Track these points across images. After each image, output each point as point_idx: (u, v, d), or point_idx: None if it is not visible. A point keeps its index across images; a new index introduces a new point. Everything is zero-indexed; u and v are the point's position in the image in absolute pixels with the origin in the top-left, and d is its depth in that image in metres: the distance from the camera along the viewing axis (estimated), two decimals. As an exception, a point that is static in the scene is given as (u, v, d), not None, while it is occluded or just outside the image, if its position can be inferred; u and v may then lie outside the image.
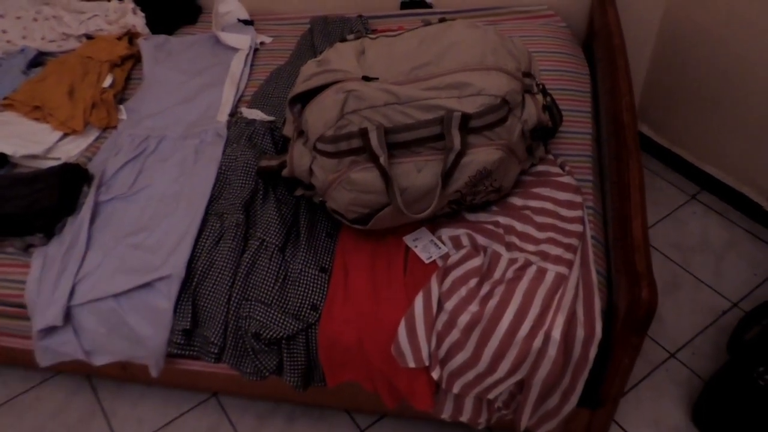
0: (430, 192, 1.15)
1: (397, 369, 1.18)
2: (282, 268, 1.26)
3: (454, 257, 1.20)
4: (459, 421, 1.27)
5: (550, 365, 1.10)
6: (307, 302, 1.21)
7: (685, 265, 1.78)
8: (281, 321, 1.19)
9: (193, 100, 1.70)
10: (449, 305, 1.14)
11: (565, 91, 1.57)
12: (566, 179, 1.33)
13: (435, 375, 1.16)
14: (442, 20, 1.29)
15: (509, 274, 1.17)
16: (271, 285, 1.23)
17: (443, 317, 1.14)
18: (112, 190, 1.45)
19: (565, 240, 1.22)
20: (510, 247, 1.23)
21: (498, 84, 1.13)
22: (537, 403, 1.17)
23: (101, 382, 1.65)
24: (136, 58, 1.88)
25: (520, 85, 1.19)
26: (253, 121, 1.54)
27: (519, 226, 1.26)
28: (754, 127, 1.73)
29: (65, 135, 1.63)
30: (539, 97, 1.27)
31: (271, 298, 1.22)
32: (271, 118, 1.57)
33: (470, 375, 1.15)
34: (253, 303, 1.21)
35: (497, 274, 1.18)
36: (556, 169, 1.36)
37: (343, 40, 1.30)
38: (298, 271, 1.25)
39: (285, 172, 1.29)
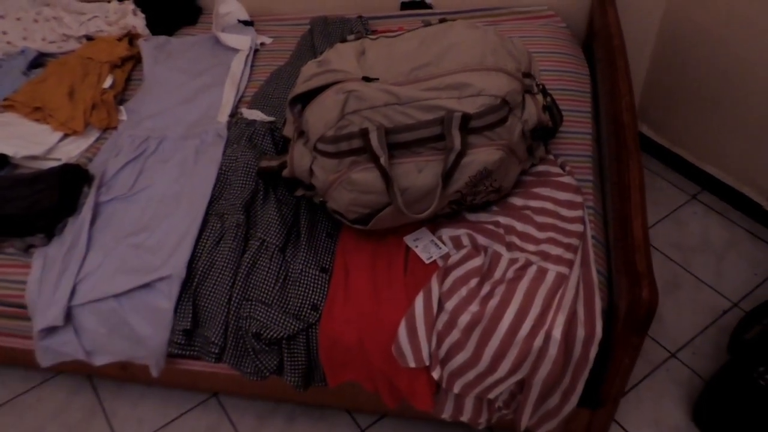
0: (431, 192, 1.16)
1: (398, 369, 1.18)
2: (282, 268, 1.26)
3: (455, 257, 1.20)
4: (459, 421, 1.27)
5: (550, 365, 1.10)
6: (308, 302, 1.21)
7: (685, 265, 1.78)
8: (282, 321, 1.19)
9: (194, 101, 1.70)
10: (450, 305, 1.14)
11: (565, 92, 1.57)
12: (566, 179, 1.33)
13: (435, 375, 1.16)
14: (442, 21, 1.29)
15: (510, 274, 1.18)
16: (272, 285, 1.23)
17: (444, 317, 1.14)
18: (113, 191, 1.46)
19: (566, 240, 1.22)
20: (510, 247, 1.23)
21: (498, 84, 1.14)
22: (537, 402, 1.17)
23: (102, 382, 1.65)
24: (136, 59, 1.88)
25: (521, 86, 1.19)
26: (254, 121, 1.55)
27: (519, 226, 1.26)
28: (754, 127, 1.73)
29: (66, 136, 1.63)
30: (539, 97, 1.27)
31: (271, 298, 1.22)
32: (272, 119, 1.57)
33: (471, 375, 1.15)
34: (253, 303, 1.22)
35: (498, 274, 1.19)
36: (557, 169, 1.36)
37: (344, 40, 1.30)
38: (299, 271, 1.25)
39: (285, 173, 1.29)
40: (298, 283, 1.24)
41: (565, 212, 1.28)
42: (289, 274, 1.26)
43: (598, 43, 1.67)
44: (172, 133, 1.60)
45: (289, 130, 1.31)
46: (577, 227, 1.25)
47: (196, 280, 1.27)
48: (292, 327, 1.19)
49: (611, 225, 1.26)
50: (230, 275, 1.25)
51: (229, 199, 1.37)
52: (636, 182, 1.13)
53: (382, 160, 1.11)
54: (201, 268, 1.27)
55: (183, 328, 1.25)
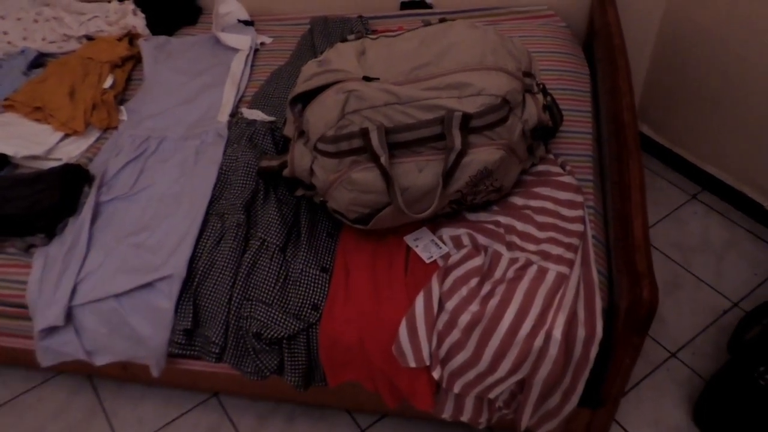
0: (431, 192, 1.16)
1: (398, 369, 1.18)
2: (283, 268, 1.26)
3: (455, 257, 1.20)
4: (460, 421, 1.27)
5: (551, 365, 1.10)
6: (308, 302, 1.22)
7: (685, 264, 1.78)
8: (282, 321, 1.19)
9: (194, 101, 1.70)
10: (450, 305, 1.14)
11: (565, 91, 1.57)
12: (567, 179, 1.33)
13: (436, 375, 1.16)
14: (442, 20, 1.29)
15: (510, 273, 1.18)
16: (272, 285, 1.23)
17: (444, 317, 1.14)
18: (113, 191, 1.46)
19: (566, 239, 1.22)
20: (511, 246, 1.23)
21: (498, 84, 1.14)
22: (538, 402, 1.17)
23: (102, 382, 1.65)
24: (136, 59, 1.88)
25: (521, 85, 1.19)
26: (254, 121, 1.55)
27: (520, 226, 1.26)
28: (755, 126, 1.73)
29: (66, 136, 1.63)
30: (540, 96, 1.27)
31: (272, 298, 1.22)
32: (272, 119, 1.57)
33: (471, 374, 1.15)
34: (254, 303, 1.22)
35: (498, 274, 1.19)
36: (557, 169, 1.36)
37: (344, 40, 1.30)
38: (299, 271, 1.25)
39: (286, 173, 1.29)
40: (298, 283, 1.24)
41: (565, 212, 1.28)
42: (290, 273, 1.26)
43: (599, 42, 1.67)
44: (172, 133, 1.60)
45: (289, 130, 1.31)
46: (577, 227, 1.25)
47: (196, 279, 1.27)
48: (293, 327, 1.19)
49: (612, 225, 1.26)
50: (231, 275, 1.25)
51: (230, 198, 1.37)
52: (636, 182, 1.13)
53: (383, 160, 1.11)
54: (201, 268, 1.27)
55: (183, 327, 1.25)
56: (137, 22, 1.96)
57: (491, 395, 1.18)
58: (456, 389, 1.18)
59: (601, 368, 1.15)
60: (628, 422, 1.48)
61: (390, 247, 1.27)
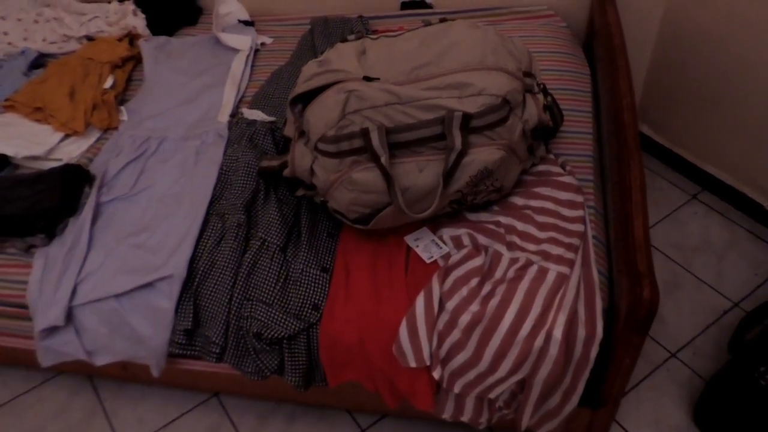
0: (432, 192, 1.16)
1: (399, 369, 1.18)
2: (283, 268, 1.26)
3: (455, 257, 1.20)
4: (460, 421, 1.27)
5: (551, 365, 1.10)
6: (309, 302, 1.22)
7: (686, 265, 1.78)
8: (282, 321, 1.19)
9: (194, 101, 1.70)
10: (450, 305, 1.14)
11: (565, 91, 1.57)
12: (567, 179, 1.33)
13: (436, 375, 1.16)
14: (442, 20, 1.29)
15: (510, 273, 1.18)
16: (273, 285, 1.23)
17: (444, 317, 1.14)
18: (114, 191, 1.46)
19: (567, 240, 1.22)
20: (511, 246, 1.23)
21: (499, 84, 1.14)
22: (538, 402, 1.17)
23: (102, 382, 1.65)
24: (136, 60, 1.88)
25: (521, 85, 1.19)
26: (254, 121, 1.55)
27: (520, 226, 1.26)
28: (755, 126, 1.74)
29: (66, 136, 1.63)
30: (540, 96, 1.27)
31: (272, 298, 1.22)
32: (272, 119, 1.57)
33: (471, 374, 1.15)
34: (254, 303, 1.22)
35: (498, 274, 1.19)
36: (557, 169, 1.36)
37: (344, 40, 1.30)
38: (300, 271, 1.25)
39: (286, 173, 1.29)
40: (298, 283, 1.24)
41: (565, 212, 1.28)
42: (290, 273, 1.26)
43: (599, 42, 1.67)
44: (172, 133, 1.60)
45: (289, 130, 1.31)
46: (577, 227, 1.25)
47: (197, 279, 1.27)
48: (293, 327, 1.19)
49: (612, 225, 1.26)
50: (231, 275, 1.25)
51: (230, 199, 1.37)
52: (637, 182, 1.13)
53: (383, 160, 1.11)
54: (202, 268, 1.27)
55: (184, 327, 1.25)
56: (137, 22, 1.96)
57: (492, 395, 1.18)
58: (456, 389, 1.18)
59: (601, 368, 1.15)
60: (629, 422, 1.48)
61: (390, 247, 1.27)
